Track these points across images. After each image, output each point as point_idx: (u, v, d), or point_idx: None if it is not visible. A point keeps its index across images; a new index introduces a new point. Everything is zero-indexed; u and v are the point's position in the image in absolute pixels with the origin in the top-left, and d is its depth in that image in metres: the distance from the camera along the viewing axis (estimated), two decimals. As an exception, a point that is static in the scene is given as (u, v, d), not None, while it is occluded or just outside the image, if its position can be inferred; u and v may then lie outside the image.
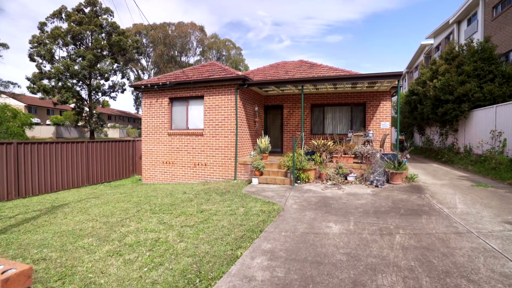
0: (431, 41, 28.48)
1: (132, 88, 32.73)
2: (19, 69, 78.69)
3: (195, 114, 10.31)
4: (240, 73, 9.25)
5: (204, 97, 9.93)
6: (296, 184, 7.83)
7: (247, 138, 10.28)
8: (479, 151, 10.35)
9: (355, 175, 8.06)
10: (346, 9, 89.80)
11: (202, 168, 9.98)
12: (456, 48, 14.04)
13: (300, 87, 10.36)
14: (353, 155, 8.54)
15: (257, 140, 9.91)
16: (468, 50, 12.62)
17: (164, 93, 10.65)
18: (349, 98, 11.34)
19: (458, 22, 21.07)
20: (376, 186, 7.32)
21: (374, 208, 5.27)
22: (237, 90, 9.41)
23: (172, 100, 10.66)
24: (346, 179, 8.05)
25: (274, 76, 11.58)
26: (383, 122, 11.01)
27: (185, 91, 10.27)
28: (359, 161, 8.70)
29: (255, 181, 8.36)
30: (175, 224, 4.60)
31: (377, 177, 7.59)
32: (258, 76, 11.83)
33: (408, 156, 7.98)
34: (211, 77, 9.71)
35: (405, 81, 37.44)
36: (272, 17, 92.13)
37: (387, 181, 7.69)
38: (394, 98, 22.67)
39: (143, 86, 10.68)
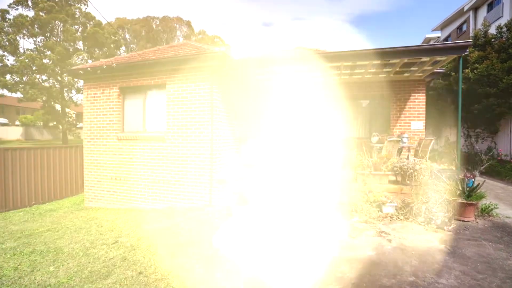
0: (437, 33, 26.07)
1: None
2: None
3: (155, 110, 7.24)
4: (216, 48, 6.27)
5: (167, 86, 6.86)
6: (304, 221, 4.86)
7: (228, 145, 7.27)
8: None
9: (395, 204, 5.13)
10: (334, 10, 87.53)
11: (164, 187, 6.91)
12: (492, 30, 11.36)
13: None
14: (390, 172, 5.58)
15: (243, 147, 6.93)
16: (513, 30, 9.94)
17: (113, 81, 7.52)
18: (368, 90, 8.44)
19: (475, 8, 18.56)
20: (439, 227, 4.40)
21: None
22: (213, 75, 6.40)
23: (123, 90, 7.54)
24: (380, 210, 5.13)
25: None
26: (414, 122, 8.16)
27: (141, 78, 7.18)
28: (395, 179, 5.78)
29: (238, 213, 5.32)
30: None
31: (434, 210, 4.69)
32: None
33: (477, 174, 5.10)
34: (175, 56, 6.66)
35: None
36: (262, 17, 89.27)
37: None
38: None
39: (81, 71, 7.51)
